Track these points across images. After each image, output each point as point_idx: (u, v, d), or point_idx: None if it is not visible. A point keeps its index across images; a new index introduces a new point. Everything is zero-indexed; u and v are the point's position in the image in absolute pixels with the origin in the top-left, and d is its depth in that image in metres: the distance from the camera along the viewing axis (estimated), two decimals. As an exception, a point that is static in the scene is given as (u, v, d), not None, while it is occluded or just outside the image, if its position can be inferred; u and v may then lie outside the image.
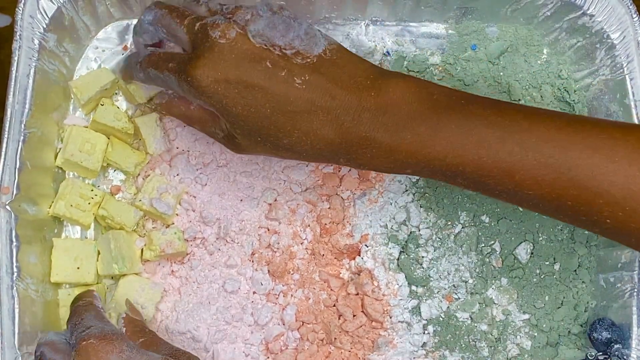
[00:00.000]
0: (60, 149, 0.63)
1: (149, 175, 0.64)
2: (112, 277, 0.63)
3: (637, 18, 0.64)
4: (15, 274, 0.57)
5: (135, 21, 0.62)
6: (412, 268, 0.64)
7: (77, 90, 0.63)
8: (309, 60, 0.52)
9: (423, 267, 0.64)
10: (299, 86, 0.51)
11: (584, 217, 0.50)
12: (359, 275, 0.64)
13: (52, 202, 0.62)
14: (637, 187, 0.47)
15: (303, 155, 0.54)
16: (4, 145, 0.58)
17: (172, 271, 0.63)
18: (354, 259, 0.65)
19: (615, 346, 0.61)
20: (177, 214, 0.64)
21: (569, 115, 0.52)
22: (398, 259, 0.64)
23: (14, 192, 0.58)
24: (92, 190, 0.62)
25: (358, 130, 0.51)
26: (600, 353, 0.62)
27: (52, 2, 0.61)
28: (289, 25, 0.53)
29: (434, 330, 0.64)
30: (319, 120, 0.51)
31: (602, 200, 0.48)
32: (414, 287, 0.64)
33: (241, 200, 0.65)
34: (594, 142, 0.49)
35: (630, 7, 0.64)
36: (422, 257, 0.65)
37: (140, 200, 0.62)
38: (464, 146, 0.50)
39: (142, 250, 0.63)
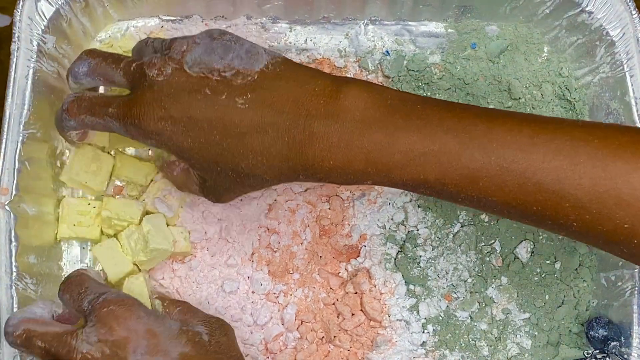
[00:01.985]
0: (60, 150, 0.64)
1: (153, 178, 0.65)
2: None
3: (636, 15, 0.64)
4: (15, 274, 0.57)
5: (125, 24, 0.62)
6: (409, 267, 0.64)
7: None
8: (249, 78, 0.51)
9: (420, 266, 0.64)
10: (242, 106, 0.50)
11: (550, 222, 0.48)
12: (357, 274, 0.64)
13: (54, 200, 0.63)
14: (602, 188, 0.46)
15: (265, 179, 0.52)
16: (3, 146, 0.58)
17: (173, 269, 0.63)
18: (354, 258, 0.65)
19: (612, 344, 0.61)
20: (179, 216, 0.64)
21: (530, 116, 0.50)
22: (395, 258, 0.64)
23: (13, 193, 0.58)
24: (89, 204, 0.63)
25: (311, 142, 0.49)
26: (598, 351, 0.62)
27: (51, 4, 0.61)
28: (227, 48, 0.52)
29: (433, 330, 0.64)
30: (270, 137, 0.49)
31: (569, 204, 0.47)
32: (411, 286, 0.64)
33: (241, 200, 0.65)
34: (557, 144, 0.47)
35: (630, 3, 0.64)
36: (420, 256, 0.64)
37: (144, 200, 0.63)
38: (424, 154, 0.48)
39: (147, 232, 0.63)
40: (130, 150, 0.65)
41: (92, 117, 0.55)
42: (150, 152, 0.65)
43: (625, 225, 0.46)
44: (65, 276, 0.56)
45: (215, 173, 0.52)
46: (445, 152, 0.48)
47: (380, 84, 0.57)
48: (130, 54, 0.65)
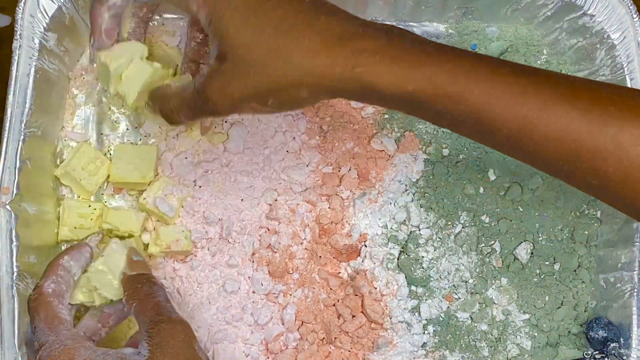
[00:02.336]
0: (60, 149, 0.63)
1: (156, 174, 0.64)
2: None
3: (637, 18, 0.64)
4: (15, 274, 0.57)
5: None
6: (412, 268, 0.64)
7: (107, 59, 0.56)
8: None
9: (423, 267, 0.64)
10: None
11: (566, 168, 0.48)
12: (357, 276, 0.64)
13: (54, 199, 0.63)
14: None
15: (290, 94, 0.48)
16: (4, 144, 0.58)
17: (174, 269, 0.63)
18: (353, 259, 0.65)
19: (612, 345, 0.61)
20: (179, 216, 0.64)
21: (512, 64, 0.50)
22: (398, 259, 0.64)
23: (14, 192, 0.58)
24: (89, 206, 0.62)
25: (345, 53, 0.47)
26: (597, 352, 0.62)
27: (53, 1, 0.61)
28: None
29: (434, 330, 0.64)
30: (318, 36, 0.47)
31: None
32: (413, 287, 0.64)
33: (242, 200, 0.64)
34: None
35: (631, 7, 0.64)
36: (422, 257, 0.65)
37: (144, 199, 0.63)
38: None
39: (147, 244, 0.63)
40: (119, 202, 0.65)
41: None
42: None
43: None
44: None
45: (243, 71, 0.48)
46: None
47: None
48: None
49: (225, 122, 0.66)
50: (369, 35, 0.47)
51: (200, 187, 0.64)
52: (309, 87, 0.48)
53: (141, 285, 0.55)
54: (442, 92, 0.46)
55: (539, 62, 0.69)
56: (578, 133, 0.46)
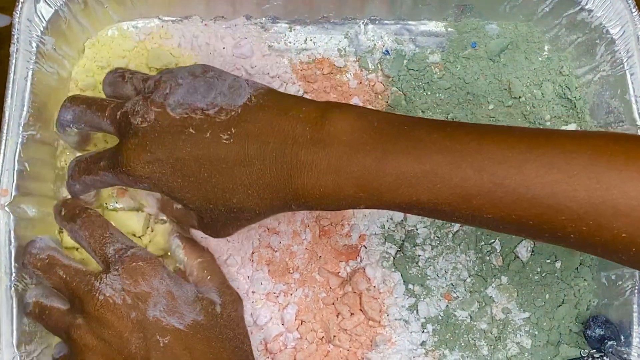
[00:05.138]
0: (60, 151, 0.64)
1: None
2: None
3: (636, 13, 0.63)
4: (14, 275, 0.57)
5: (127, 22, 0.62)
6: (408, 266, 0.64)
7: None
8: (233, 113, 0.50)
9: (419, 266, 0.64)
10: (227, 141, 0.50)
11: (547, 235, 0.48)
12: (355, 274, 0.64)
13: (54, 201, 0.62)
14: (598, 200, 0.45)
15: (257, 212, 0.51)
16: (2, 147, 0.58)
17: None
18: (353, 258, 0.64)
19: (609, 343, 0.61)
20: None
21: (520, 129, 0.49)
22: (394, 258, 0.64)
23: (13, 194, 0.58)
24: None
25: (299, 171, 0.49)
26: (595, 350, 0.62)
27: (50, 5, 0.61)
28: (210, 85, 0.52)
29: (433, 329, 0.64)
30: (257, 170, 0.49)
31: (565, 216, 0.46)
32: (410, 286, 0.64)
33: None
34: (550, 158, 0.46)
35: (629, 1, 0.63)
36: (419, 255, 0.64)
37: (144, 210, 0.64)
38: (415, 176, 0.47)
39: (146, 246, 0.63)
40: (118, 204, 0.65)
41: (89, 176, 0.56)
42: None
43: (623, 235, 0.45)
44: (68, 200, 0.60)
45: (209, 210, 0.52)
46: (437, 172, 0.47)
47: (365, 107, 0.57)
48: (131, 51, 0.65)
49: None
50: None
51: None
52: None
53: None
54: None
55: (540, 58, 0.69)
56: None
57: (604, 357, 0.61)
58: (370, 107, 0.67)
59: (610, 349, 0.60)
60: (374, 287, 0.63)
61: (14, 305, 0.57)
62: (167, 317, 0.52)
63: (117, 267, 0.53)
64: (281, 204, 0.51)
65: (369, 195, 0.49)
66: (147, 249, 0.60)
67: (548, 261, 0.65)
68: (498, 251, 0.65)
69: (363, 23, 0.69)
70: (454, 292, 0.64)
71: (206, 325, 0.54)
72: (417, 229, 0.64)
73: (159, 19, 0.68)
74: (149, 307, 0.52)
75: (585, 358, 0.62)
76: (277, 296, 0.64)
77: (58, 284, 0.55)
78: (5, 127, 0.59)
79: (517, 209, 0.47)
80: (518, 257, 0.65)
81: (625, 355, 0.60)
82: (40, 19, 0.61)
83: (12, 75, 0.59)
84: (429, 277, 0.64)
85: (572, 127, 0.67)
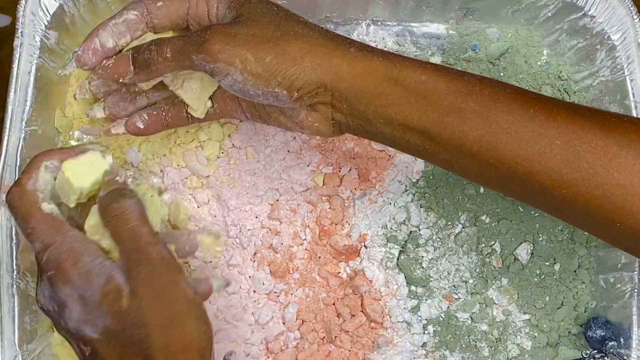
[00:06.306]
0: (61, 147, 0.63)
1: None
2: None
3: (637, 19, 0.64)
4: (16, 272, 0.57)
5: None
6: (412, 268, 0.64)
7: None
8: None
9: (423, 267, 0.64)
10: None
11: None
12: (355, 276, 0.64)
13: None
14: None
15: (289, 57, 0.51)
16: (5, 142, 0.58)
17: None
18: (353, 259, 0.65)
19: (610, 344, 0.61)
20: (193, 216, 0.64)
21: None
22: (398, 259, 0.64)
23: (15, 190, 0.57)
24: None
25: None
26: (596, 351, 0.62)
27: (54, 0, 0.61)
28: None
29: (434, 330, 0.64)
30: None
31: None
32: (413, 287, 0.64)
33: (245, 199, 0.64)
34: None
35: (631, 8, 0.64)
36: (422, 257, 0.65)
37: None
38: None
39: None
40: None
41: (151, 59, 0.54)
42: None
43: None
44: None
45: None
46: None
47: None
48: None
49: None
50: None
51: (208, 186, 0.64)
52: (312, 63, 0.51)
53: (110, 204, 0.49)
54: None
55: (539, 62, 0.69)
56: None
57: (605, 358, 0.61)
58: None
59: (611, 350, 0.61)
60: (375, 289, 0.63)
61: (16, 303, 0.56)
62: (83, 326, 0.48)
63: (42, 276, 0.49)
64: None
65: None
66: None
67: (547, 263, 0.65)
68: (498, 253, 0.65)
69: (365, 24, 0.69)
70: (456, 294, 0.65)
71: (116, 331, 0.47)
72: (419, 230, 0.65)
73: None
74: (69, 319, 0.48)
75: (587, 359, 0.63)
76: (278, 295, 0.64)
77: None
78: (8, 123, 0.58)
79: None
80: (518, 259, 0.65)
81: (625, 357, 0.61)
82: (44, 13, 0.60)
83: (15, 69, 0.59)
84: (432, 279, 0.64)
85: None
